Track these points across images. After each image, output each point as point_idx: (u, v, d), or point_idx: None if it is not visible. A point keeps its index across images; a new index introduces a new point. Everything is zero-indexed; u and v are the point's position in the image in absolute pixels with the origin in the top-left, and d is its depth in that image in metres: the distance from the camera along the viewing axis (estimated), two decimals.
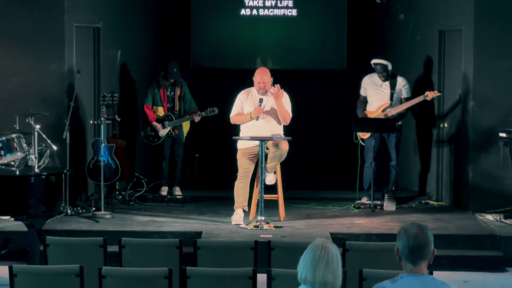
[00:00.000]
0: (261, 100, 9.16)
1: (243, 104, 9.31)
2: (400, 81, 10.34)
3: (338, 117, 11.83)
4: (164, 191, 10.93)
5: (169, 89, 10.76)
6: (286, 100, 9.22)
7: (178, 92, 10.78)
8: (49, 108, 9.70)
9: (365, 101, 10.46)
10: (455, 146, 10.58)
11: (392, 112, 10.16)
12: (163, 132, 10.71)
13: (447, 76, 10.72)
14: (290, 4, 12.22)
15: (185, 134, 10.86)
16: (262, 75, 9.21)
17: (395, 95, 10.28)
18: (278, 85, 9.07)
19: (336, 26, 12.29)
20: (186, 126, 10.85)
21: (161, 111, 10.75)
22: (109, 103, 9.98)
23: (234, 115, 9.35)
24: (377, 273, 5.53)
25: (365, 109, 10.42)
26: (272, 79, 9.25)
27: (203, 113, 10.48)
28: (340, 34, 12.28)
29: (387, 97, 10.29)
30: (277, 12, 12.24)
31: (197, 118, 10.55)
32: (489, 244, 8.74)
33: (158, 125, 10.68)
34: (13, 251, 8.61)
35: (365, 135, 10.31)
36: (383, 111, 10.25)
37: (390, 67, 10.32)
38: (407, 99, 10.29)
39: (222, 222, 9.29)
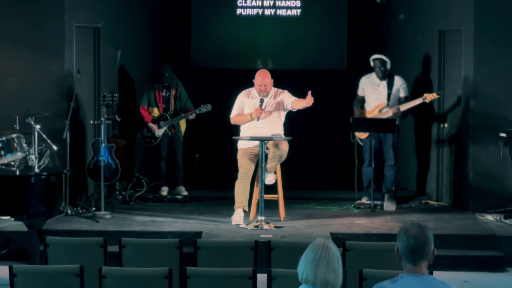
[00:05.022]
0: (261, 101, 9.16)
1: (244, 104, 9.31)
2: (398, 81, 10.34)
3: (338, 117, 11.82)
4: (164, 191, 10.95)
5: (164, 90, 10.82)
6: (290, 96, 9.22)
7: (173, 92, 10.83)
8: (49, 108, 9.70)
9: (361, 101, 10.47)
10: (455, 146, 10.58)
11: (405, 107, 10.13)
12: (159, 132, 10.77)
13: (447, 76, 10.72)
14: (290, 4, 12.22)
15: (182, 133, 10.91)
16: (263, 78, 9.21)
17: (392, 95, 10.29)
18: (310, 92, 9.02)
19: (336, 26, 12.29)
20: (183, 125, 10.91)
21: (156, 112, 10.82)
22: (109, 103, 9.97)
23: (234, 115, 9.35)
24: (377, 273, 5.53)
25: (362, 107, 10.43)
26: (272, 81, 9.27)
27: (196, 110, 10.51)
28: (340, 34, 12.28)
29: (384, 97, 10.29)
30: (277, 12, 12.24)
31: (191, 116, 10.58)
32: (489, 244, 8.74)
33: (153, 126, 10.72)
34: (13, 251, 8.61)
35: (363, 135, 10.32)
36: (380, 111, 10.25)
37: (389, 65, 10.30)
38: (405, 98, 10.29)
39: (222, 222, 9.29)
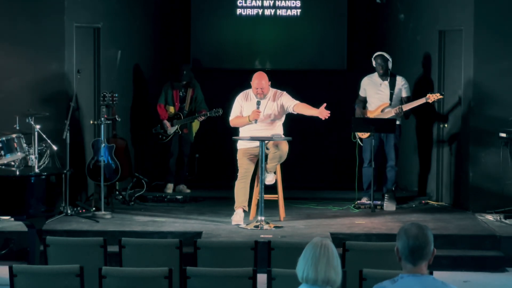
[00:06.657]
0: (258, 103, 9.13)
1: (242, 107, 9.30)
2: (400, 81, 10.33)
3: (338, 117, 11.80)
4: (170, 188, 11.12)
5: (182, 90, 10.91)
6: (290, 99, 9.19)
7: (190, 93, 11.01)
8: (49, 108, 9.70)
9: (363, 101, 10.47)
10: (455, 146, 10.58)
11: (408, 107, 10.11)
12: (171, 130, 10.94)
13: (447, 76, 10.72)
14: (290, 4, 12.22)
15: (194, 134, 11.07)
16: (259, 80, 9.17)
17: (394, 95, 10.28)
18: (325, 104, 8.95)
19: (336, 26, 12.29)
20: (195, 126, 11.12)
21: (172, 111, 11.01)
22: (109, 103, 9.99)
23: (233, 118, 9.34)
24: (377, 273, 5.53)
25: (364, 107, 10.42)
26: (270, 82, 9.24)
27: (208, 113, 10.68)
28: (340, 34, 12.28)
29: (386, 97, 10.29)
30: (277, 12, 12.24)
31: (200, 118, 10.76)
32: (489, 244, 8.73)
33: (168, 124, 10.94)
34: (13, 251, 8.61)
35: (364, 135, 10.32)
36: (382, 111, 10.25)
37: (390, 63, 10.29)
38: (407, 98, 10.29)
39: (222, 222, 9.29)
